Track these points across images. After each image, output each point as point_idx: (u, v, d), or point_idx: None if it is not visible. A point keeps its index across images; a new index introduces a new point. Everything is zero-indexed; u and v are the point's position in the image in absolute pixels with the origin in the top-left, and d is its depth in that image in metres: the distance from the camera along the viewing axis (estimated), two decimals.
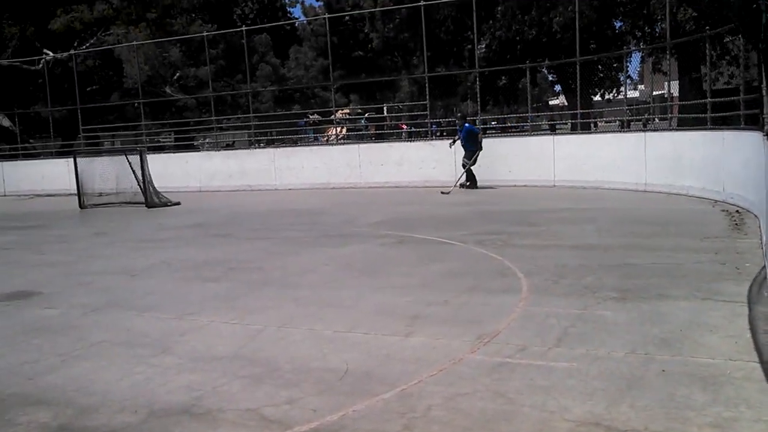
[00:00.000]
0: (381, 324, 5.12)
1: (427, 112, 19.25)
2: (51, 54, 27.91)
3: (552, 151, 15.73)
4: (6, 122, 28.96)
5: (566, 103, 33.56)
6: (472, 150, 15.87)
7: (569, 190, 14.70)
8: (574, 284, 6.10)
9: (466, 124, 16.16)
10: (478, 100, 19.07)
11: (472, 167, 15.91)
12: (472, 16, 18.10)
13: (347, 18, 34.50)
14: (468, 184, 15.96)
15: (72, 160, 17.76)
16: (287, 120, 29.34)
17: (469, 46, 27.36)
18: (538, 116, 26.77)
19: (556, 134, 18.81)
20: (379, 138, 22.15)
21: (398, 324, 5.10)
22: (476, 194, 15.06)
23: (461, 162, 16.13)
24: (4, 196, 22.54)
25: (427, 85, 19.05)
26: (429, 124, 19.79)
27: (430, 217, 11.61)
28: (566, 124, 25.92)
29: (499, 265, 7.11)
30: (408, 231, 9.86)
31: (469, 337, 4.68)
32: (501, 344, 4.53)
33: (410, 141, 20.08)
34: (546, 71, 36.42)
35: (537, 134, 18.87)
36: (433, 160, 17.15)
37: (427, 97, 18.81)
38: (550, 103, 50.55)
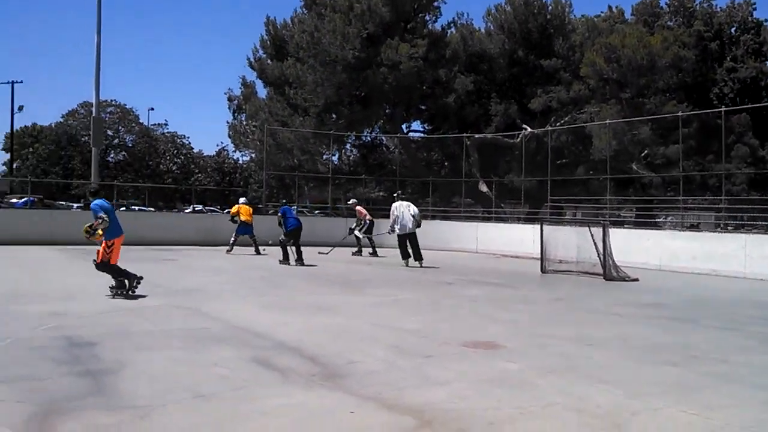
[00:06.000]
0: None
1: None
2: (529, 129, 30.46)
3: None
4: (484, 188, 32.37)
5: None
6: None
7: None
8: None
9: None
10: None
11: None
12: None
13: None
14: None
15: (538, 226, 18.95)
16: (763, 205, 26.81)
17: None
18: None
19: None
20: None
21: None
22: None
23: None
24: (476, 253, 24.98)
25: None
26: None
27: None
28: None
29: None
30: None
31: None
32: None
33: None
34: None
35: None
36: None
37: None
38: None
